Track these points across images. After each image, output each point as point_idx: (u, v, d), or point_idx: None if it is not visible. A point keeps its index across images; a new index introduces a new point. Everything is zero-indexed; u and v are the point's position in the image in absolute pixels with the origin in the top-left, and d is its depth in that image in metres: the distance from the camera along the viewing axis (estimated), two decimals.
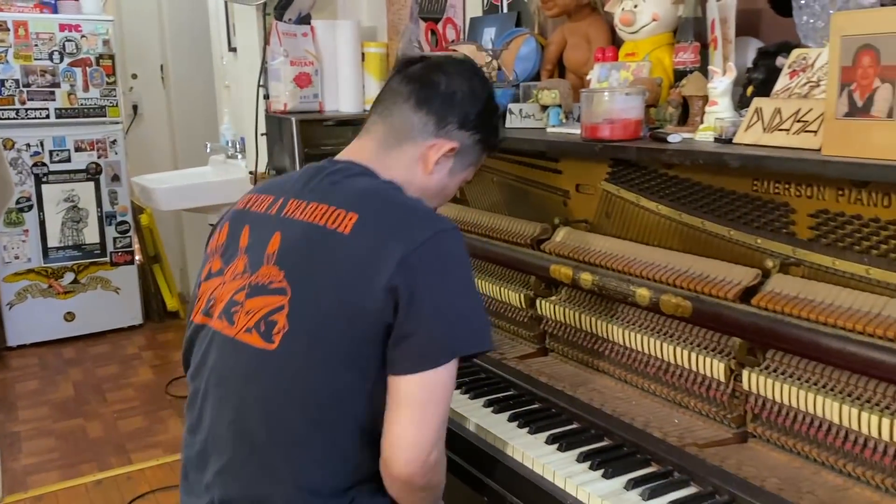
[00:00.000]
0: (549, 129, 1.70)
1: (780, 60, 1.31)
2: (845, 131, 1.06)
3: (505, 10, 2.17)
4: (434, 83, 1.32)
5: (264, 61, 2.74)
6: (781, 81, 1.26)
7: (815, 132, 1.12)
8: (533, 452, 1.28)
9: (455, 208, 1.98)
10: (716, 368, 1.29)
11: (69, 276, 4.40)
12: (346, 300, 1.14)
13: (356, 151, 1.35)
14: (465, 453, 1.40)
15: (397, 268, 1.12)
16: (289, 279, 1.19)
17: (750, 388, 1.23)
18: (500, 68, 1.81)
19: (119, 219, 4.48)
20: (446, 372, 1.14)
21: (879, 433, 1.06)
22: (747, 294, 1.25)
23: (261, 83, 2.79)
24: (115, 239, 4.49)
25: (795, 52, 1.26)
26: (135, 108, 4.97)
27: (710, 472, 1.17)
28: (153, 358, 4.17)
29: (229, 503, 1.22)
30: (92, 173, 4.37)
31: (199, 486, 1.28)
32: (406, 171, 1.32)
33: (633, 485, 1.16)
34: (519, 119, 1.76)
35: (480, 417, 1.43)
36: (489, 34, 2.13)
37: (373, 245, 1.15)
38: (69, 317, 4.41)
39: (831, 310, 1.13)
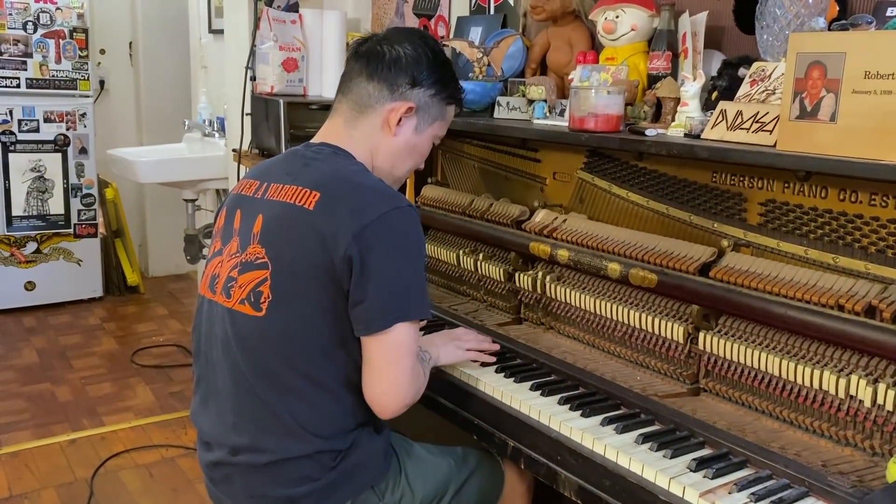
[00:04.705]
0: (536, 121, 1.88)
1: (741, 71, 1.51)
2: (796, 131, 1.27)
3: (492, 12, 2.34)
4: (380, 53, 1.46)
5: (253, 45, 2.87)
6: (743, 89, 1.47)
7: (771, 132, 1.33)
8: (520, 396, 1.47)
9: (440, 190, 2.16)
10: (676, 332, 1.49)
11: (31, 246, 4.41)
12: (314, 269, 1.30)
13: (328, 132, 1.50)
14: (449, 394, 1.58)
15: (353, 240, 1.27)
16: (269, 254, 1.35)
17: (704, 348, 1.44)
18: (489, 64, 1.99)
19: (85, 191, 4.51)
20: (398, 334, 1.29)
21: (811, 383, 1.28)
22: (705, 268, 1.46)
23: (248, 65, 2.91)
24: (79, 211, 4.51)
25: (756, 65, 1.47)
26: (102, 83, 4.99)
27: (671, 413, 1.38)
28: (116, 329, 4.22)
29: (245, 451, 1.37)
30: (60, 145, 4.39)
31: (215, 441, 1.43)
32: (374, 137, 1.47)
33: (608, 422, 1.36)
34: (506, 111, 1.95)
35: (471, 369, 1.61)
36: (475, 33, 2.30)
37: (333, 220, 1.30)
38: (29, 286, 4.42)
39: (775, 282, 1.34)
